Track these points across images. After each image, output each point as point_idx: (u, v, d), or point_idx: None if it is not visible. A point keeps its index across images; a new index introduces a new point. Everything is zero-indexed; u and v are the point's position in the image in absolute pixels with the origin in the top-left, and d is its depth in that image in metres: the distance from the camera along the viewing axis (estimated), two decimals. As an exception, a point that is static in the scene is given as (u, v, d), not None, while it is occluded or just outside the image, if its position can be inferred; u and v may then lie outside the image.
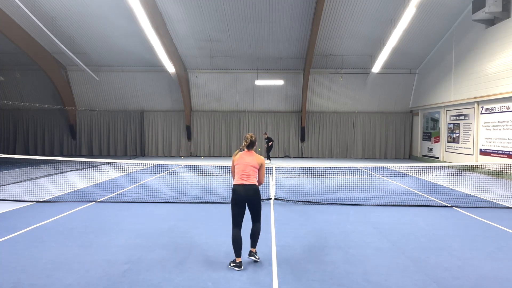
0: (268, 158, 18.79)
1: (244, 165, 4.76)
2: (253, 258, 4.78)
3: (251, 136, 4.89)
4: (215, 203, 8.48)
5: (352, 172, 14.67)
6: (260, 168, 4.86)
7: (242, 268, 4.57)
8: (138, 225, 6.57)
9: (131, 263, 4.71)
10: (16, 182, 11.25)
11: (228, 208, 7.92)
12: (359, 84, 20.39)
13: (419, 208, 8.16)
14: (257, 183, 4.80)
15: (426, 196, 9.53)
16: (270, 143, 18.64)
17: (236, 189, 4.69)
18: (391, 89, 20.75)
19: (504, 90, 13.06)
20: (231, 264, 4.64)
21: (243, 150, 4.95)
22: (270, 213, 7.59)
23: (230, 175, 4.93)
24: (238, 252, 4.61)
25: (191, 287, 4.06)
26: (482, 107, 14.66)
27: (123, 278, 4.27)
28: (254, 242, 4.83)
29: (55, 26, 16.29)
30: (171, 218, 7.09)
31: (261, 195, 4.89)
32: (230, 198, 4.85)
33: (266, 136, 18.85)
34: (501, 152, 13.51)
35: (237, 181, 4.73)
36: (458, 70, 16.11)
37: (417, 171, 14.78)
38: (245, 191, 4.65)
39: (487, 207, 8.22)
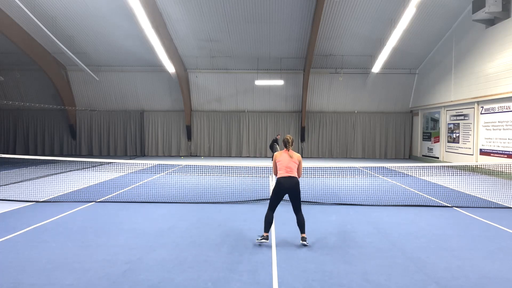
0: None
1: (287, 161, 5.54)
2: (304, 243, 5.43)
3: (290, 137, 5.71)
4: (215, 203, 8.48)
5: (352, 172, 14.67)
6: (299, 163, 5.66)
7: (268, 240, 5.49)
8: (138, 225, 6.57)
9: (131, 263, 4.71)
10: (16, 182, 11.25)
11: (228, 208, 7.95)
12: (359, 84, 20.38)
13: (419, 208, 8.16)
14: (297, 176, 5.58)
15: (426, 196, 9.53)
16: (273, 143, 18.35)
17: (281, 181, 5.46)
18: (391, 89, 20.75)
19: (504, 90, 13.06)
20: (259, 239, 5.45)
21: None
22: (270, 213, 7.59)
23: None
24: (267, 228, 5.48)
25: (191, 287, 4.06)
26: (482, 107, 14.66)
27: (123, 278, 4.27)
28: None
29: (55, 26, 16.29)
30: (171, 218, 7.09)
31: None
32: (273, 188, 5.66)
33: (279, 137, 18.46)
34: (501, 152, 13.51)
35: (282, 174, 5.50)
36: (458, 70, 16.10)
37: (417, 171, 14.78)
38: (289, 183, 5.44)
39: (487, 207, 8.22)
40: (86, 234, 5.95)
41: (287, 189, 5.43)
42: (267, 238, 5.46)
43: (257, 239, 5.49)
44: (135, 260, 4.82)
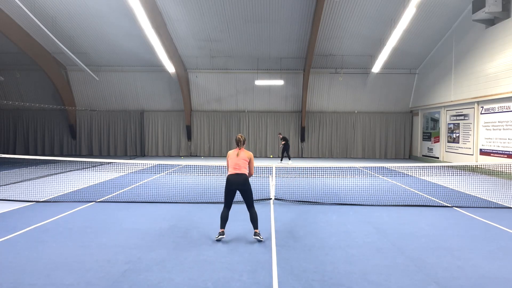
0: (288, 158, 18.09)
1: (235, 158, 5.78)
2: (258, 238, 5.63)
3: (241, 137, 5.94)
4: (215, 203, 8.48)
5: (352, 172, 14.67)
6: (249, 161, 5.89)
7: (224, 236, 5.68)
8: (138, 225, 6.57)
9: (131, 263, 4.71)
10: (16, 182, 11.25)
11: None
12: (359, 84, 20.38)
13: (419, 208, 8.16)
14: (247, 173, 5.78)
15: (426, 196, 9.53)
16: (283, 142, 17.84)
17: (229, 178, 5.70)
18: (391, 89, 20.74)
19: (504, 90, 13.06)
20: (217, 236, 5.62)
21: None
22: (270, 213, 7.59)
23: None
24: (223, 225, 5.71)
25: (191, 287, 4.06)
26: (482, 107, 14.66)
27: (123, 278, 4.27)
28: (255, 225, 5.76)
29: (55, 26, 16.29)
30: (171, 218, 7.09)
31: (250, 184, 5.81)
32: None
33: (281, 136, 18.09)
34: (501, 152, 13.51)
35: (230, 171, 5.74)
36: (458, 70, 16.10)
37: (417, 171, 14.78)
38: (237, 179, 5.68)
39: (487, 207, 8.22)
40: (86, 234, 5.95)
41: (236, 185, 5.66)
42: (222, 234, 5.65)
43: (216, 237, 5.68)
44: (135, 260, 4.82)
